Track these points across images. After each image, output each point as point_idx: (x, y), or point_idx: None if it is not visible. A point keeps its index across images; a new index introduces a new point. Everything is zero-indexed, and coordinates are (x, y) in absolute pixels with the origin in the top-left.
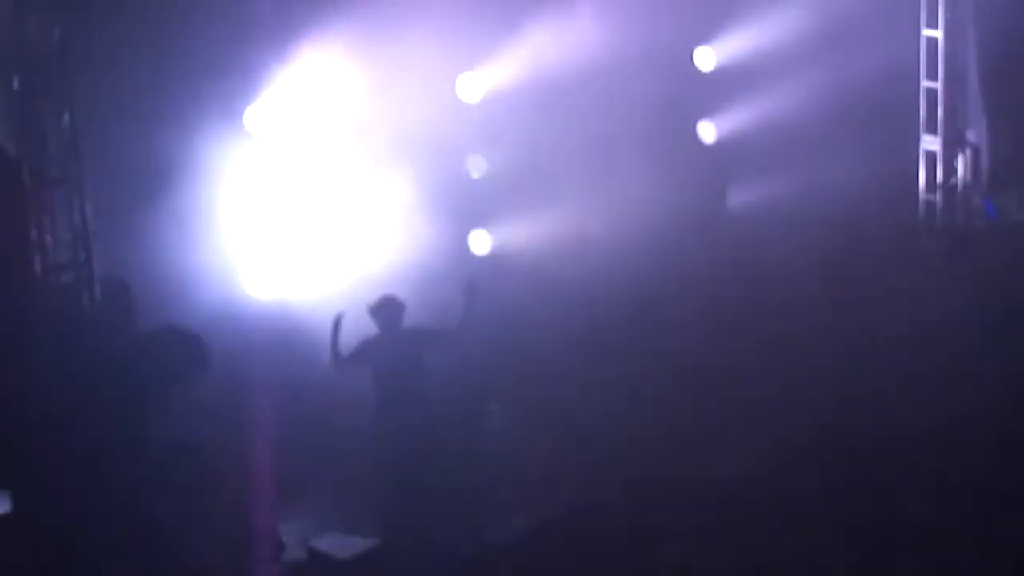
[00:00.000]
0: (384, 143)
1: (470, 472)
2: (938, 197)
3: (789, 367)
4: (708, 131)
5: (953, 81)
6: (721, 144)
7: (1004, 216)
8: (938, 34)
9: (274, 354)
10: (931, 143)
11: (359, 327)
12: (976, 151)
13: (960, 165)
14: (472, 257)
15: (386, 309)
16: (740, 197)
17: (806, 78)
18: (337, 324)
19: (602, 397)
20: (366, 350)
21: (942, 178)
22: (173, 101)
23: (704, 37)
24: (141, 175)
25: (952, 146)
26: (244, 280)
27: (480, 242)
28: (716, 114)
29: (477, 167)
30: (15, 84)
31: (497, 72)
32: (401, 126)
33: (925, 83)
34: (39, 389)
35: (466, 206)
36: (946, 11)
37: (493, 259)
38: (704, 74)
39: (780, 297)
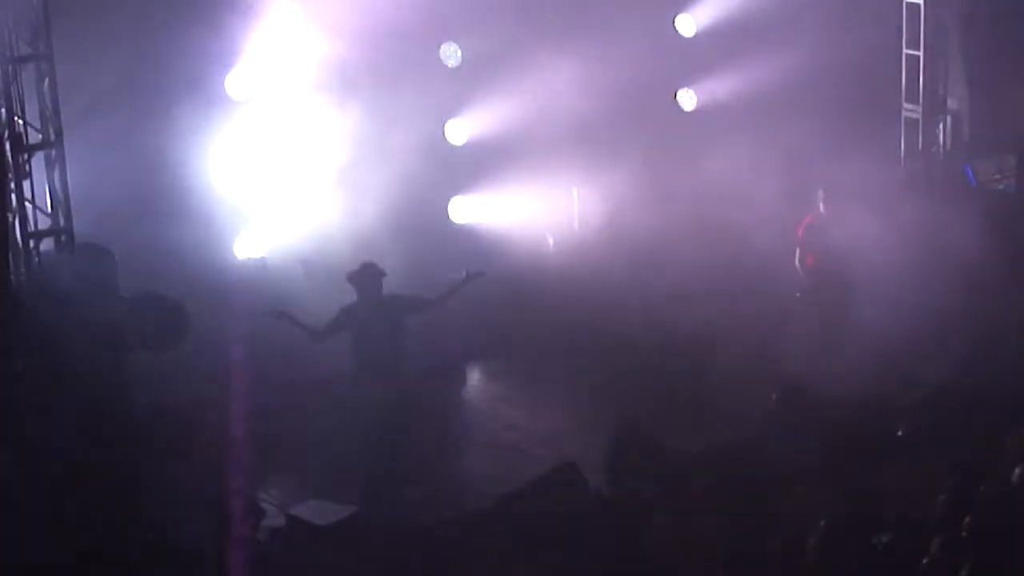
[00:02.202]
0: (364, 108)
1: (448, 438)
2: (919, 164)
3: (769, 335)
4: (688, 98)
5: (935, 49)
6: (701, 111)
7: (984, 183)
8: (920, 1)
9: (254, 319)
10: (912, 111)
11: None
12: (957, 119)
13: (941, 133)
14: (450, 223)
15: (366, 276)
16: (719, 164)
17: (787, 45)
18: (285, 315)
19: (581, 362)
20: (345, 317)
21: (923, 145)
22: (155, 66)
23: (685, 4)
24: (121, 141)
25: (933, 113)
26: (225, 244)
27: (459, 208)
28: (696, 81)
29: (457, 132)
30: None
31: (479, 40)
32: (382, 91)
33: (907, 51)
34: (21, 354)
35: (446, 172)
36: None
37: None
38: (685, 40)
39: (761, 265)
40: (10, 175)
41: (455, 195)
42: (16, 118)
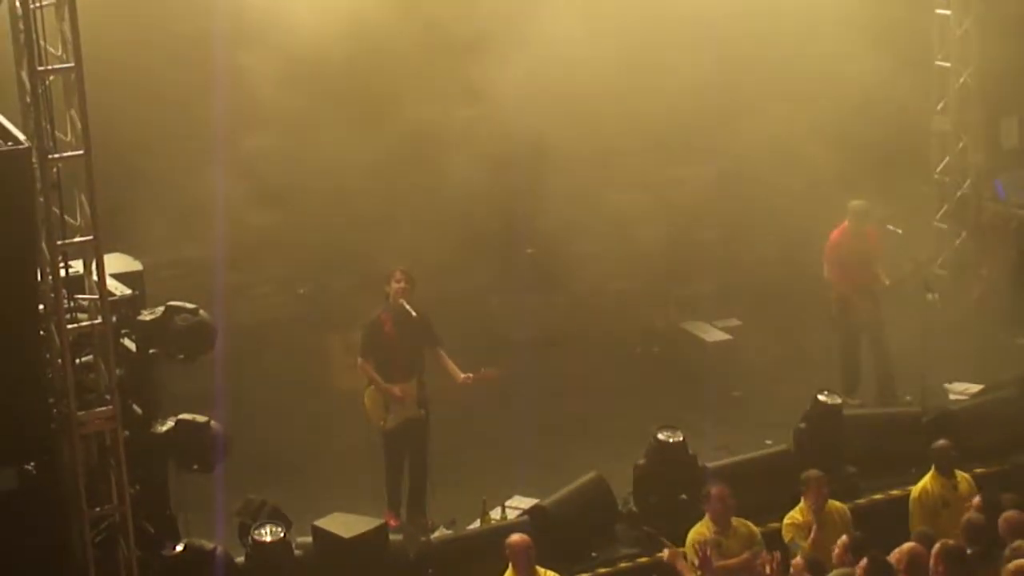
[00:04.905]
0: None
1: (473, 449)
2: (949, 178)
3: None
4: None
5: (964, 60)
6: None
7: (1013, 196)
8: (948, 12)
9: (280, 332)
10: (943, 123)
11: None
12: (987, 132)
13: (971, 145)
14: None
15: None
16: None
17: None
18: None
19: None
20: (369, 335)
21: (953, 159)
22: (179, 79)
23: None
24: (148, 154)
25: (964, 126)
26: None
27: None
28: None
29: None
30: (24, 66)
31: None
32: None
33: (937, 62)
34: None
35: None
36: None
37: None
38: None
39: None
40: (39, 185)
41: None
42: (46, 127)
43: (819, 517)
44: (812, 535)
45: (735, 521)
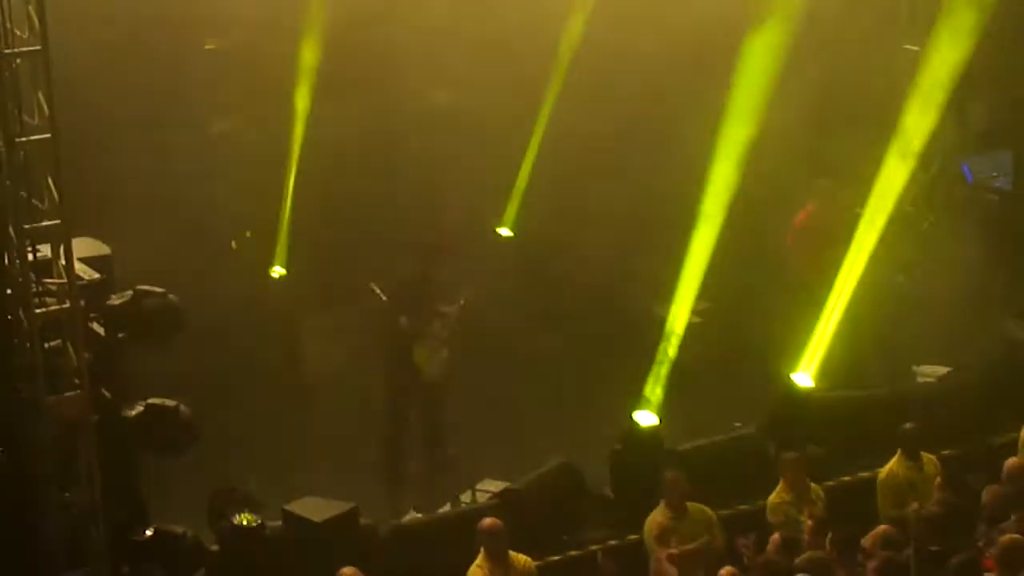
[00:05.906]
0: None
1: (445, 432)
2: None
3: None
4: None
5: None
6: None
7: (980, 180)
8: None
9: (251, 315)
10: (910, 107)
11: None
12: (954, 114)
13: (939, 129)
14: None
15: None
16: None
17: None
18: None
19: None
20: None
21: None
22: (147, 62)
23: None
24: (116, 137)
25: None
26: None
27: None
28: None
29: None
30: None
31: None
32: None
33: (906, 46)
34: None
35: None
36: None
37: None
38: None
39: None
40: (6, 168)
41: None
42: (12, 111)
43: (803, 495)
44: (808, 511)
45: (690, 506)
